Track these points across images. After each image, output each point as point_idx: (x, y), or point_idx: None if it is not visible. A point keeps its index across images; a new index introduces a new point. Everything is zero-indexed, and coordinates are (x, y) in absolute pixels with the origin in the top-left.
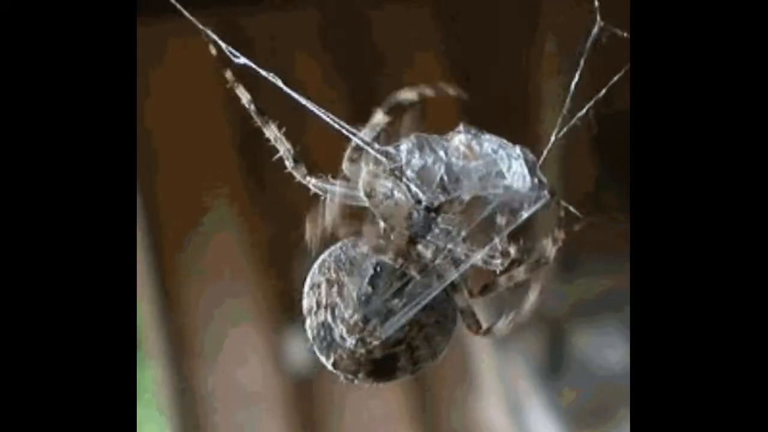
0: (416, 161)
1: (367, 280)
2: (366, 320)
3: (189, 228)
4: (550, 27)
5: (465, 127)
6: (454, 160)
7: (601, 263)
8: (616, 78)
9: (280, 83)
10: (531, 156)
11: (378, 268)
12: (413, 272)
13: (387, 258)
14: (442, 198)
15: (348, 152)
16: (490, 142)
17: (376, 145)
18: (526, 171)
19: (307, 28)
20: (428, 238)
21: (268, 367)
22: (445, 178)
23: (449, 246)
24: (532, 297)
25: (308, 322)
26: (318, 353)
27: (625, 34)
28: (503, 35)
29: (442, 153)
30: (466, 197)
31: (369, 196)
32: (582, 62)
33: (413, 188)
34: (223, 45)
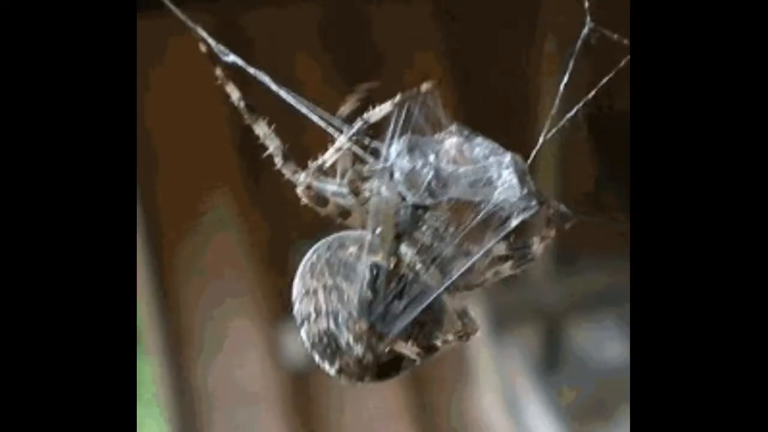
0: (405, 164)
1: (366, 284)
2: (372, 326)
3: (189, 228)
4: (550, 27)
5: (458, 128)
6: (443, 164)
7: (600, 260)
8: (605, 80)
9: (267, 80)
10: (522, 164)
11: (374, 271)
12: (409, 272)
13: (380, 259)
14: (428, 202)
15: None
16: (481, 147)
17: (367, 143)
18: (515, 180)
19: (307, 26)
20: (415, 235)
21: (267, 366)
22: (433, 182)
23: (436, 244)
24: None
25: (306, 328)
26: (319, 360)
27: (615, 36)
28: (503, 35)
29: (432, 157)
30: (454, 199)
31: (356, 193)
32: (571, 64)
33: (400, 189)
34: (213, 43)
